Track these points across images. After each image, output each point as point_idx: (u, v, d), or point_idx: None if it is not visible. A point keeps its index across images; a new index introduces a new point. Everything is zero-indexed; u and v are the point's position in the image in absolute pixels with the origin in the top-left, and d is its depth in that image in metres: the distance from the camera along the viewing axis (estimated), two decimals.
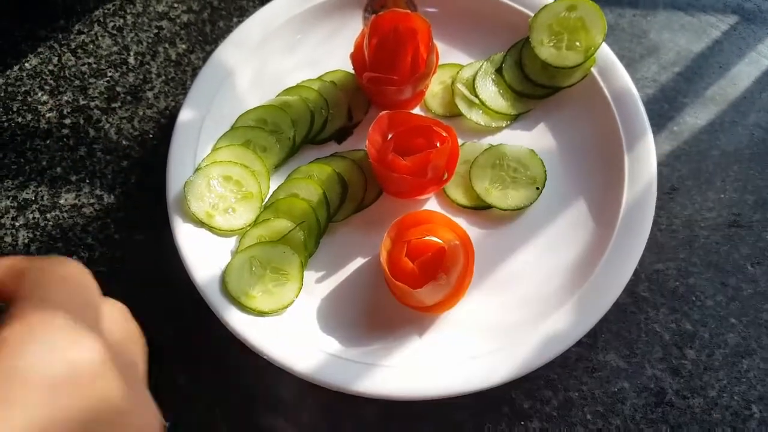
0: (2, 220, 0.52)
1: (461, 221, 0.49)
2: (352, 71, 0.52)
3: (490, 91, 0.53)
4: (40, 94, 0.58)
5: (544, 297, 0.46)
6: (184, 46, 0.59)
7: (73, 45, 0.60)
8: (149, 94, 0.57)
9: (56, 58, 0.59)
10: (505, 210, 0.49)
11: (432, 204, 0.51)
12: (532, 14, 0.53)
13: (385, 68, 0.49)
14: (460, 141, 0.49)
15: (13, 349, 0.25)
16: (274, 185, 0.51)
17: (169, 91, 0.57)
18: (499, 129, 0.53)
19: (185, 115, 0.51)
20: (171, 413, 0.45)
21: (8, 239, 0.51)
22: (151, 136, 0.56)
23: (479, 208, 0.50)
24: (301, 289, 0.46)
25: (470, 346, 0.44)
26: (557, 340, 0.43)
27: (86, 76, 0.58)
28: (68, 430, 0.24)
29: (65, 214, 0.52)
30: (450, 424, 0.44)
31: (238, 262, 0.46)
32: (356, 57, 0.51)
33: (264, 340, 0.44)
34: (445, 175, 0.48)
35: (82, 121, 0.56)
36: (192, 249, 0.47)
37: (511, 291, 0.47)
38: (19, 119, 0.56)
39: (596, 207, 0.49)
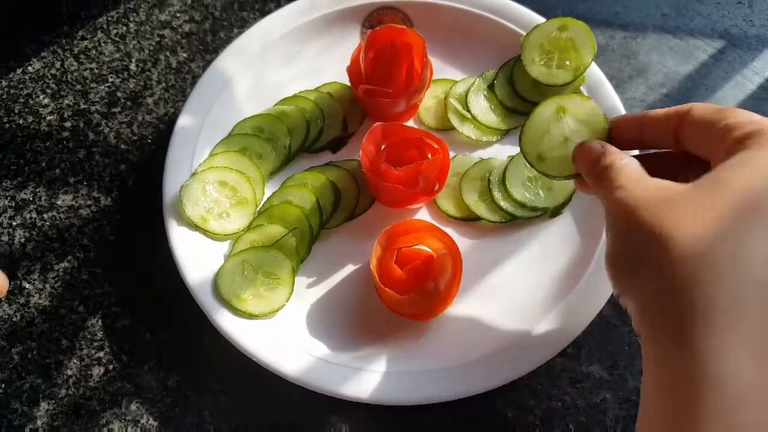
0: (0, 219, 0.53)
1: (451, 231, 0.50)
2: (349, 83, 0.54)
3: (481, 107, 0.54)
4: (41, 97, 0.59)
5: (530, 307, 0.47)
6: (185, 55, 0.61)
7: (76, 50, 0.61)
8: (149, 100, 0.58)
9: (59, 63, 0.60)
10: (494, 222, 0.50)
11: (423, 214, 0.52)
12: (524, 33, 0.54)
13: (381, 81, 0.51)
14: (451, 154, 0.50)
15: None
16: (268, 192, 0.52)
17: (168, 97, 0.59)
18: (489, 143, 0.54)
19: (184, 121, 0.52)
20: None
21: (5, 238, 0.52)
22: (149, 141, 0.57)
23: (469, 220, 0.51)
24: (292, 293, 0.47)
25: (455, 354, 0.45)
26: (541, 349, 0.44)
27: (88, 81, 0.59)
28: None
29: (62, 215, 0.53)
30: (433, 431, 0.45)
31: (230, 266, 0.47)
32: (353, 70, 0.52)
33: (254, 343, 0.45)
34: (436, 186, 0.49)
35: (82, 125, 0.57)
36: (186, 252, 0.47)
37: (497, 301, 0.48)
38: (20, 121, 0.57)
39: (582, 220, 0.50)
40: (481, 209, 0.50)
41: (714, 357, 0.25)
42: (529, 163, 0.41)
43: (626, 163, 0.34)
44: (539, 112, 0.41)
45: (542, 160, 0.40)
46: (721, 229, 0.27)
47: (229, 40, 0.60)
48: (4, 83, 0.59)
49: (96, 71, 0.60)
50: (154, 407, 0.46)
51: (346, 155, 0.54)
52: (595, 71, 0.54)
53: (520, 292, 0.48)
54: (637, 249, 0.30)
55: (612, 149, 0.36)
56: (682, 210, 0.29)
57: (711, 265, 0.27)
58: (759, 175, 0.29)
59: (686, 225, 0.28)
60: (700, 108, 0.34)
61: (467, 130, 0.54)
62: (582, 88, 0.53)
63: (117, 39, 0.62)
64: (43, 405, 0.47)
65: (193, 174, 0.50)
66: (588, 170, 0.37)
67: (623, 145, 0.38)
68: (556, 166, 0.40)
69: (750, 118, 0.31)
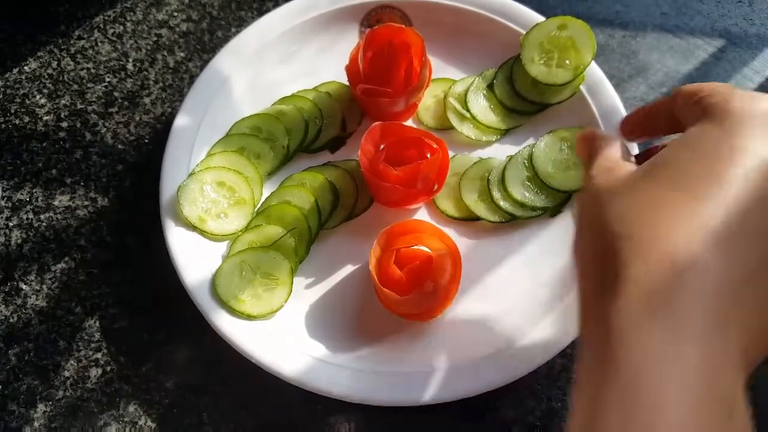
0: None
1: (450, 232, 0.50)
2: (347, 83, 0.53)
3: (481, 106, 0.54)
4: (38, 97, 0.58)
5: (529, 307, 0.47)
6: (182, 54, 0.60)
7: (72, 50, 0.61)
8: (146, 100, 0.58)
9: (56, 63, 0.60)
10: (493, 222, 0.50)
11: (422, 214, 0.52)
12: (524, 32, 0.54)
13: (379, 80, 0.50)
14: (450, 153, 0.50)
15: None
16: (266, 192, 0.52)
17: (166, 97, 0.58)
18: (489, 143, 0.54)
19: (181, 121, 0.52)
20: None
21: (1, 239, 0.52)
22: (146, 141, 0.56)
23: (468, 220, 0.50)
24: (290, 294, 0.47)
25: (455, 354, 0.45)
26: (541, 350, 0.44)
27: (84, 80, 0.59)
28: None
29: (59, 216, 0.53)
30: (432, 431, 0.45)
31: (228, 267, 0.47)
32: (351, 69, 0.52)
33: (252, 344, 0.44)
34: (435, 186, 0.49)
35: (78, 125, 0.57)
36: (183, 252, 0.47)
37: (497, 301, 0.48)
38: (17, 121, 0.57)
39: None
40: (480, 209, 0.50)
41: (627, 327, 0.27)
42: (540, 179, 0.49)
43: (608, 151, 0.35)
44: (545, 140, 0.51)
45: (550, 177, 0.49)
46: (651, 213, 0.29)
47: (226, 40, 0.60)
48: (0, 83, 0.59)
49: (93, 71, 0.60)
50: (152, 408, 0.46)
51: (345, 155, 0.54)
52: (595, 70, 0.54)
53: (520, 292, 0.48)
54: (583, 225, 0.33)
55: (603, 134, 0.37)
56: (623, 192, 0.31)
57: (635, 243, 0.28)
58: (694, 156, 0.29)
59: (621, 205, 0.30)
60: (687, 86, 0.35)
61: (466, 130, 0.54)
62: (582, 88, 0.53)
63: (114, 38, 0.61)
64: (41, 407, 0.46)
65: (191, 174, 0.50)
66: (585, 153, 0.38)
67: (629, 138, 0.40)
68: (559, 182, 0.49)
69: (717, 90, 0.32)
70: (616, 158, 0.35)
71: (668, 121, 0.37)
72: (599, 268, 0.30)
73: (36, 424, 0.46)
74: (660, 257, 0.27)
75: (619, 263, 0.28)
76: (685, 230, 0.27)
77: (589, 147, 0.37)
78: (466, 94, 0.54)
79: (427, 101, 0.55)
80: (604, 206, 0.31)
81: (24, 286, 0.50)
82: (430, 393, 0.43)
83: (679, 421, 0.24)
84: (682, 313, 0.26)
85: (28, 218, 0.53)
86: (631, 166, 0.33)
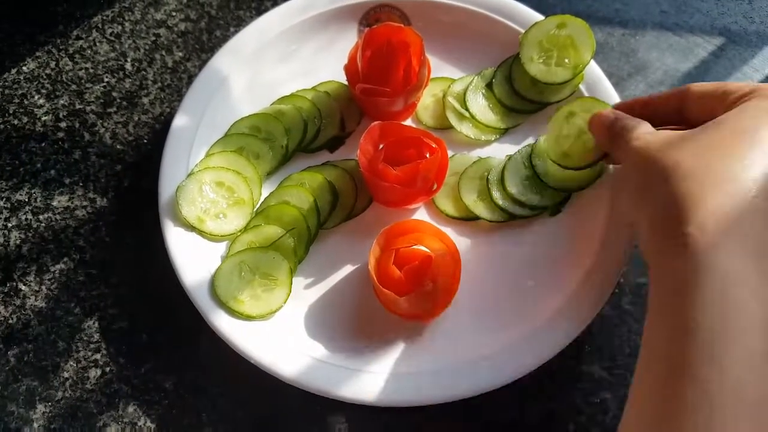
0: None
1: (450, 231, 0.50)
2: (346, 82, 0.53)
3: (480, 105, 0.54)
4: (36, 98, 0.58)
5: (529, 307, 0.47)
6: (180, 54, 0.60)
7: (71, 50, 0.61)
8: (145, 100, 0.58)
9: (54, 63, 0.60)
10: (493, 222, 0.49)
11: (421, 214, 0.51)
12: (523, 31, 0.54)
13: (378, 80, 0.50)
14: (449, 153, 0.50)
15: None
16: (265, 192, 0.52)
17: (164, 97, 0.58)
18: (488, 142, 0.54)
19: (180, 121, 0.52)
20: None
21: (0, 240, 0.52)
22: (145, 141, 0.56)
23: (467, 219, 0.50)
24: (289, 294, 0.47)
25: (454, 354, 0.45)
26: (540, 350, 0.44)
27: (83, 80, 0.59)
28: None
29: (58, 216, 0.53)
30: None
31: (227, 267, 0.47)
32: (350, 68, 0.52)
33: (251, 345, 0.44)
34: (435, 186, 0.49)
35: (77, 125, 0.57)
36: (182, 253, 0.47)
37: (496, 301, 0.48)
38: (15, 122, 0.57)
39: (582, 219, 0.50)
40: (479, 208, 0.50)
41: (706, 250, 0.29)
42: (557, 164, 0.48)
43: (638, 123, 0.39)
44: (554, 119, 0.49)
45: (567, 157, 0.48)
46: (719, 155, 0.32)
47: (225, 39, 0.60)
48: None
49: (91, 71, 0.60)
50: (151, 409, 0.46)
51: (344, 155, 0.54)
52: (594, 69, 0.54)
53: (520, 292, 0.48)
54: (648, 177, 0.34)
55: (623, 114, 0.41)
56: (687, 143, 0.34)
57: (706, 179, 0.31)
58: (756, 117, 0.33)
59: (689, 152, 0.33)
60: (698, 84, 0.39)
61: (466, 129, 0.53)
62: (581, 86, 0.53)
63: (112, 38, 0.61)
64: (40, 407, 0.46)
65: (190, 174, 0.50)
66: (603, 134, 0.42)
67: None
68: (578, 158, 0.47)
69: (746, 83, 0.36)
70: (651, 127, 0.39)
71: (670, 116, 0.40)
72: (662, 211, 0.32)
73: (35, 425, 0.46)
74: (736, 191, 0.30)
75: (685, 201, 0.31)
76: (752, 164, 0.30)
77: (610, 126, 0.41)
78: (465, 94, 0.54)
79: (426, 100, 0.55)
80: (662, 154, 0.34)
81: (23, 287, 0.50)
82: (430, 393, 0.43)
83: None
84: (758, 232, 0.29)
85: (26, 219, 0.53)
86: (670, 131, 0.36)
